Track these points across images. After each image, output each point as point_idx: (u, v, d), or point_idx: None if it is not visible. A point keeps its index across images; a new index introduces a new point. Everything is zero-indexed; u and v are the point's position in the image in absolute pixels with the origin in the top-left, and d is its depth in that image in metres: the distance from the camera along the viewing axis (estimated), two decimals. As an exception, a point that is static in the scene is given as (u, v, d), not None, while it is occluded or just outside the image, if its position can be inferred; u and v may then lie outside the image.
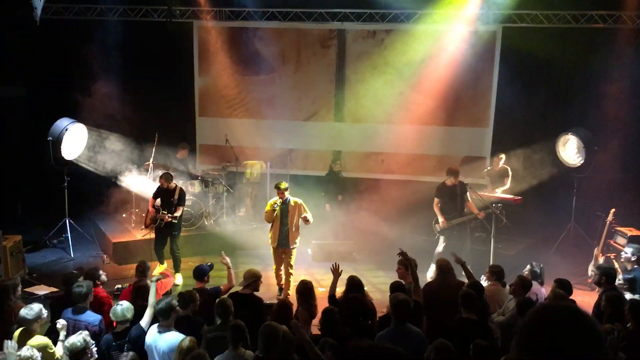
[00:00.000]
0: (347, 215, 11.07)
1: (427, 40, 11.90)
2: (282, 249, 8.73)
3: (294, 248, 8.76)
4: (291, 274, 8.78)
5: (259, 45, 12.60)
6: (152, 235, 9.50)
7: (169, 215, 9.16)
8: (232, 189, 11.71)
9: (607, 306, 6.06)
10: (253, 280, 6.48)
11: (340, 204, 11.13)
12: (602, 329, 1.66)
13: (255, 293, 6.50)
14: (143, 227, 9.95)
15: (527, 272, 7.10)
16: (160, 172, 10.10)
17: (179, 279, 9.43)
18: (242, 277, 6.60)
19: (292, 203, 8.65)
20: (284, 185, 8.65)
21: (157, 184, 9.71)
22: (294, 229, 8.66)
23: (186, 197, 10.06)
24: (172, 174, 9.71)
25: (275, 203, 8.59)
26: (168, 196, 9.34)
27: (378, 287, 9.17)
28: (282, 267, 8.86)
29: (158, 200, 9.37)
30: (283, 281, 8.92)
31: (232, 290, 6.70)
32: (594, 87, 11.51)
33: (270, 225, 8.77)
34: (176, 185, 9.52)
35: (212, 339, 5.28)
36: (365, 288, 6.76)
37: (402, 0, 11.58)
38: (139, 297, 6.27)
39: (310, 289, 6.20)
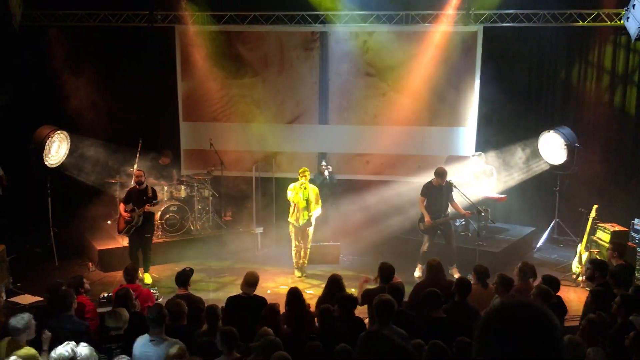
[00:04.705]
0: (332, 217, 11.08)
1: (408, 41, 11.99)
2: (304, 226, 9.83)
3: (311, 226, 9.94)
4: (309, 247, 10.02)
5: (241, 49, 12.57)
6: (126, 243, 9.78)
7: (148, 205, 9.48)
8: (217, 193, 11.67)
9: (593, 301, 6.13)
10: (256, 283, 6.58)
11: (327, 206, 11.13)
12: (559, 324, 1.63)
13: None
14: (117, 232, 9.98)
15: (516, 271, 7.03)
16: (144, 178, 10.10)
17: (148, 279, 9.65)
18: (244, 280, 6.59)
19: (311, 188, 9.85)
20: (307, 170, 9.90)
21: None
22: (311, 210, 9.81)
23: (172, 203, 10.41)
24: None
25: (302, 185, 9.67)
26: (140, 196, 9.54)
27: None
28: (301, 243, 9.97)
29: (129, 205, 9.52)
30: (300, 259, 10.03)
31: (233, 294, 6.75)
32: (574, 84, 11.69)
33: (291, 207, 9.82)
34: (147, 185, 9.74)
35: (201, 345, 5.27)
36: (353, 290, 6.80)
37: (383, 2, 11.63)
38: (118, 304, 6.17)
39: (298, 295, 6.24)
